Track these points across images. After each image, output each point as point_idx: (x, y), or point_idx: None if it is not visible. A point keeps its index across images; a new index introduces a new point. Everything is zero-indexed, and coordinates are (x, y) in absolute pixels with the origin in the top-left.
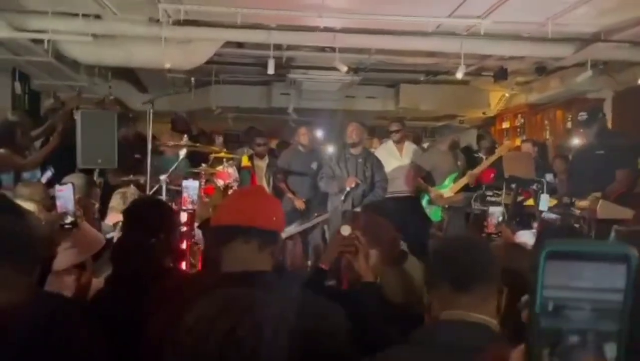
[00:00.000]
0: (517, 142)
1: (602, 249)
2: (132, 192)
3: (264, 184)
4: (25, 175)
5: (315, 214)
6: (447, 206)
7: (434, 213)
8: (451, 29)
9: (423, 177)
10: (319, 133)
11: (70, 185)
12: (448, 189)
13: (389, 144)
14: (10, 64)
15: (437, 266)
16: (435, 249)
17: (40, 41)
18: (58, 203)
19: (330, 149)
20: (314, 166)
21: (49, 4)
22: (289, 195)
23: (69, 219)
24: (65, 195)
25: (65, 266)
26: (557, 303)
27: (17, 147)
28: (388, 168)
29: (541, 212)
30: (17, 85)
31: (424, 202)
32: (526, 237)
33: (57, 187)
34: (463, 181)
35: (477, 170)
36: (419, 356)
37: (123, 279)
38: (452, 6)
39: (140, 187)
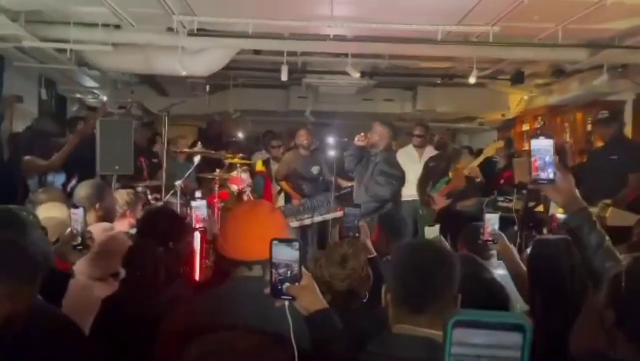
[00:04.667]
0: None
1: (500, 320)
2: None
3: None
4: (49, 179)
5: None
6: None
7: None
8: (461, 36)
9: None
10: (329, 137)
11: (81, 209)
12: (437, 193)
13: (409, 148)
14: (37, 71)
15: (391, 282)
16: (392, 259)
17: (64, 50)
18: (72, 223)
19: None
20: (315, 170)
21: (72, 15)
22: (289, 191)
23: (79, 240)
24: (77, 218)
25: (102, 276)
26: None
27: (44, 152)
28: (409, 174)
29: (552, 217)
30: (43, 91)
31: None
32: None
33: (72, 210)
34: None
35: (464, 171)
36: None
37: (134, 285)
38: (459, 15)
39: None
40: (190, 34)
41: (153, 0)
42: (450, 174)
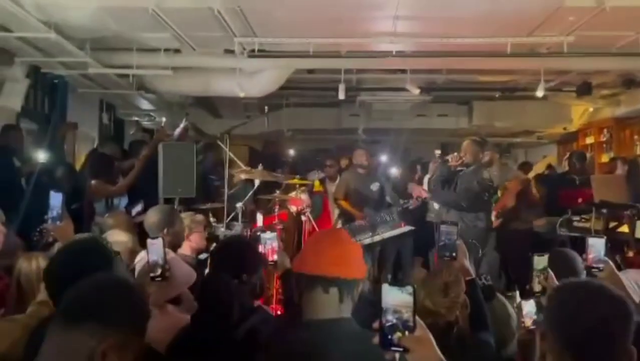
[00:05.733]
0: (604, 158)
1: None
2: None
3: (335, 208)
4: (115, 202)
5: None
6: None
7: None
8: (527, 47)
9: None
10: (384, 155)
11: (160, 239)
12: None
13: None
14: (98, 96)
15: (554, 330)
16: (554, 302)
17: (126, 75)
18: (150, 255)
19: (394, 169)
20: (374, 187)
21: (135, 41)
22: (350, 210)
23: (159, 272)
24: (156, 249)
25: (158, 302)
26: None
27: (110, 176)
28: None
29: (637, 240)
30: (105, 116)
31: None
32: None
33: (149, 241)
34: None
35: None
36: None
37: (207, 319)
38: (531, 26)
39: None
40: (251, 55)
41: (215, 23)
42: (499, 192)
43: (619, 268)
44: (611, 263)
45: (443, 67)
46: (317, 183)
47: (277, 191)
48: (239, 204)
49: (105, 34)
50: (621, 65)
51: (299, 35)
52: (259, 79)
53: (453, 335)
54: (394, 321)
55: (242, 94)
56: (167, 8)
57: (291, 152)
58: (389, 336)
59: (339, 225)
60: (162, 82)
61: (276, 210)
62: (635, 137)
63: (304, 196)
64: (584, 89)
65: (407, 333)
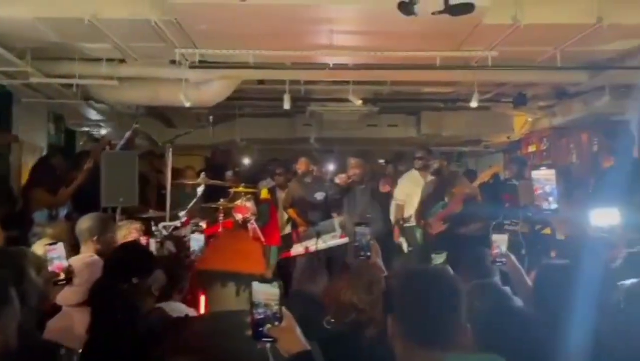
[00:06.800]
0: None
1: None
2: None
3: (285, 215)
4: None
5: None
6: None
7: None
8: (463, 61)
9: None
10: (331, 165)
11: (60, 244)
12: (433, 218)
13: (413, 172)
14: (45, 106)
15: (396, 312)
16: (396, 287)
17: (70, 85)
18: (51, 261)
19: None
20: (319, 196)
21: (77, 51)
22: (296, 218)
23: (62, 276)
24: (58, 254)
25: (76, 302)
26: None
27: (53, 186)
28: (414, 198)
29: (558, 240)
30: (52, 126)
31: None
32: None
33: (48, 247)
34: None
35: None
36: None
37: (97, 321)
38: (457, 41)
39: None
40: (192, 66)
41: (154, 34)
42: (446, 198)
43: None
44: (512, 256)
45: (380, 79)
46: (264, 191)
47: (222, 200)
48: (181, 213)
49: (46, 44)
50: (544, 78)
51: (239, 46)
52: (206, 90)
53: (371, 330)
54: (265, 314)
55: (188, 104)
56: (104, 19)
57: (244, 161)
58: (261, 329)
59: (287, 230)
60: (109, 92)
61: (221, 218)
62: (571, 145)
63: (249, 204)
64: (520, 100)
65: (276, 323)
